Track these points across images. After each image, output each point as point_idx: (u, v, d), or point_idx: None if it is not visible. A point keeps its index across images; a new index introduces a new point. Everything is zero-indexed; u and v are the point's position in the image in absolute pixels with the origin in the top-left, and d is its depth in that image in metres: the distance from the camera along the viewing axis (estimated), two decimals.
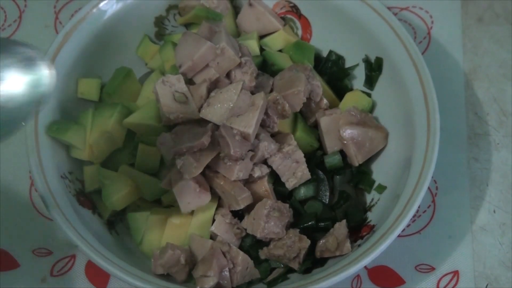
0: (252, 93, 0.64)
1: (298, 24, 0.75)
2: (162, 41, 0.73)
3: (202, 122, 0.63)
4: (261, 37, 0.73)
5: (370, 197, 0.67)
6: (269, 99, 0.64)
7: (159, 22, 0.74)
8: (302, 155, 0.64)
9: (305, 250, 0.62)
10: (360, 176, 0.68)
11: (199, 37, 0.65)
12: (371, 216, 0.65)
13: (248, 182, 0.63)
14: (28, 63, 0.47)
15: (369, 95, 0.71)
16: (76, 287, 0.66)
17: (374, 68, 0.70)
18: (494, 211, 0.69)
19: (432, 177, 0.61)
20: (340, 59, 0.73)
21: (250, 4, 0.72)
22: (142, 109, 0.65)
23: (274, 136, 0.65)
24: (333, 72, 0.73)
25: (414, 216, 0.68)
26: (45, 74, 0.47)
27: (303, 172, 0.64)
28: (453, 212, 0.69)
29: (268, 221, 0.61)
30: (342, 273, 0.57)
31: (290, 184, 0.64)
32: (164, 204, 0.65)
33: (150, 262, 0.62)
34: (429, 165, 0.61)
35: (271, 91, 0.67)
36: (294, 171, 0.64)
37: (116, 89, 0.69)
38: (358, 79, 0.72)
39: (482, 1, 0.82)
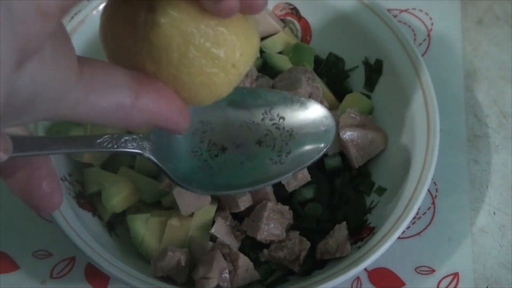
0: None
1: (298, 26, 0.75)
2: None
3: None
4: (261, 39, 0.73)
5: (370, 199, 0.67)
6: None
7: None
8: None
9: (305, 252, 0.62)
10: (360, 178, 0.68)
11: None
12: (371, 218, 0.65)
13: None
14: None
15: (368, 97, 0.71)
16: None
17: (374, 70, 0.70)
18: (494, 213, 0.69)
19: (432, 179, 0.61)
20: (340, 61, 0.73)
21: None
22: None
23: None
24: (333, 74, 0.73)
25: (414, 218, 0.68)
26: None
27: (303, 174, 0.64)
28: (453, 214, 0.69)
29: (268, 223, 0.61)
30: (342, 275, 0.57)
31: (290, 186, 0.64)
32: (164, 206, 0.65)
33: (150, 264, 0.62)
34: (429, 167, 0.61)
35: None
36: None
37: None
38: (358, 81, 0.72)
39: (481, 3, 0.82)
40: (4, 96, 0.31)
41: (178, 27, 0.40)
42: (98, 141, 0.51)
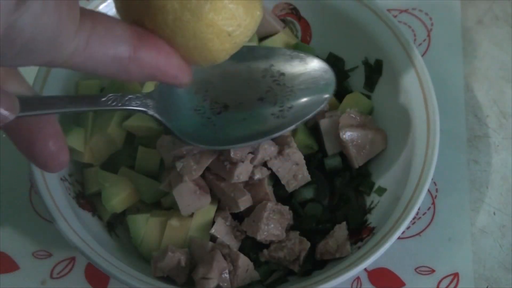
0: None
1: (298, 26, 0.75)
2: None
3: None
4: (261, 39, 0.73)
5: (370, 199, 0.67)
6: None
7: None
8: (302, 157, 0.64)
9: (305, 252, 0.62)
10: (360, 179, 0.68)
11: None
12: (371, 219, 0.65)
13: (248, 184, 0.63)
14: None
15: (368, 97, 0.71)
16: None
17: (374, 70, 0.70)
18: (494, 213, 0.69)
19: (432, 179, 0.61)
20: (339, 61, 0.73)
21: None
22: None
23: (274, 138, 0.65)
24: None
25: (414, 218, 0.68)
26: None
27: (303, 174, 0.64)
28: (453, 214, 0.69)
29: (268, 223, 0.61)
30: (342, 275, 0.57)
31: (290, 186, 0.64)
32: (163, 206, 0.65)
33: (149, 265, 0.62)
34: (429, 167, 0.61)
35: None
36: (294, 173, 0.64)
37: (116, 92, 0.68)
38: (358, 81, 0.72)
39: (481, 3, 0.82)
40: (4, 32, 0.33)
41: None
42: (102, 99, 0.52)
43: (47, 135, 0.48)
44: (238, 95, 0.61)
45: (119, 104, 0.53)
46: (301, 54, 0.63)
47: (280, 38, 0.73)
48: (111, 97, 0.52)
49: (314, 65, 0.62)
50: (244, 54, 0.61)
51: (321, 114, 0.68)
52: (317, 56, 0.73)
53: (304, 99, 0.61)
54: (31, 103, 0.46)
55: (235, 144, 0.59)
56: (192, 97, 0.60)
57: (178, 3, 0.41)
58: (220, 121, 0.59)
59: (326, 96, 0.61)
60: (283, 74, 0.62)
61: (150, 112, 0.55)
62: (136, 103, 0.54)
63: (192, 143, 0.58)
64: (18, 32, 0.35)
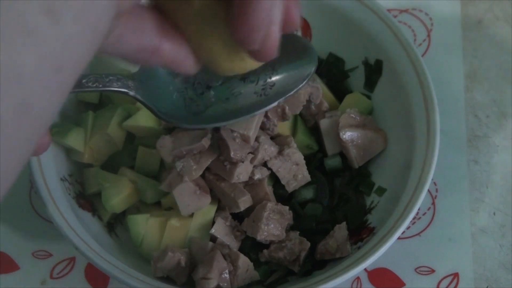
0: None
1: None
2: None
3: None
4: None
5: (370, 199, 0.67)
6: None
7: None
8: (302, 157, 0.64)
9: (305, 253, 0.62)
10: (360, 179, 0.68)
11: None
12: (371, 219, 0.65)
13: (248, 184, 0.63)
14: None
15: (368, 97, 0.71)
16: None
17: (374, 71, 0.70)
18: (494, 214, 0.69)
19: (432, 179, 0.61)
20: (339, 61, 0.73)
21: None
22: (141, 112, 0.65)
23: (274, 138, 0.65)
24: (332, 75, 0.73)
25: (414, 218, 0.68)
26: None
27: (303, 174, 0.64)
28: (453, 214, 0.69)
29: (268, 223, 0.61)
30: (342, 276, 0.57)
31: (290, 186, 0.64)
32: (163, 206, 0.65)
33: (150, 265, 0.62)
34: (429, 168, 0.61)
35: None
36: (294, 173, 0.64)
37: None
38: (358, 82, 0.72)
39: (481, 3, 0.82)
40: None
41: (206, 11, 0.42)
42: (83, 80, 0.52)
43: None
44: (220, 75, 0.61)
45: (100, 86, 0.53)
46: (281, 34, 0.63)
47: None
48: (91, 78, 0.52)
49: (294, 42, 0.62)
50: None
51: (321, 114, 0.68)
52: (317, 55, 0.73)
53: (287, 77, 0.60)
54: None
55: (218, 122, 0.59)
56: (174, 78, 0.60)
57: (202, 19, 0.42)
58: (203, 101, 0.59)
59: (308, 72, 0.60)
60: None
61: (131, 93, 0.55)
62: (117, 84, 0.54)
63: (175, 122, 0.58)
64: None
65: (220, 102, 0.60)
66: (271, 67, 0.61)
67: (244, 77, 0.61)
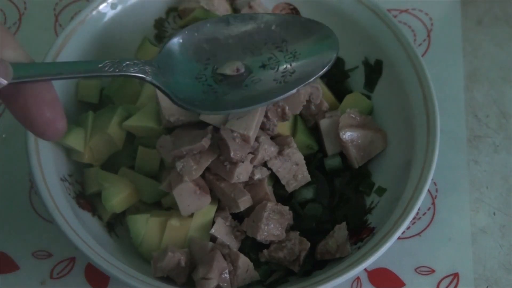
0: None
1: None
2: (162, 43, 0.74)
3: (202, 124, 0.63)
4: None
5: (370, 199, 0.67)
6: None
7: (159, 24, 0.74)
8: (302, 157, 0.64)
9: (305, 253, 0.62)
10: (360, 179, 0.68)
11: None
12: (371, 219, 0.65)
13: (248, 184, 0.63)
14: None
15: (368, 97, 0.71)
16: None
17: (374, 70, 0.70)
18: (494, 214, 0.69)
19: (432, 179, 0.61)
20: (339, 61, 0.73)
21: (250, 7, 0.72)
22: (141, 112, 0.65)
23: (274, 138, 0.65)
24: (332, 75, 0.73)
25: (414, 218, 0.68)
26: None
27: (303, 174, 0.64)
28: (453, 214, 0.69)
29: (268, 223, 0.61)
30: (342, 276, 0.57)
31: (290, 186, 0.64)
32: (163, 206, 0.65)
33: (150, 265, 0.62)
34: (429, 168, 0.61)
35: None
36: (294, 173, 0.64)
37: (116, 92, 0.69)
38: (358, 82, 0.72)
39: (482, 4, 0.82)
40: None
41: None
42: (99, 65, 0.52)
43: (43, 102, 0.48)
44: (240, 62, 0.61)
45: (117, 70, 0.52)
46: (303, 19, 0.63)
47: None
48: (108, 63, 0.52)
49: (316, 29, 0.61)
50: (246, 21, 0.62)
51: (321, 114, 0.68)
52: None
53: (307, 64, 0.60)
54: (25, 69, 0.45)
55: (235, 109, 0.59)
56: (193, 65, 0.60)
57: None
58: (221, 88, 0.59)
59: (329, 59, 0.60)
60: (285, 40, 0.61)
61: (148, 78, 0.54)
62: (134, 69, 0.53)
63: (192, 109, 0.57)
64: None
65: (239, 89, 0.59)
66: (292, 53, 0.60)
67: (264, 64, 0.60)
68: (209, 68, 0.60)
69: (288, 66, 0.60)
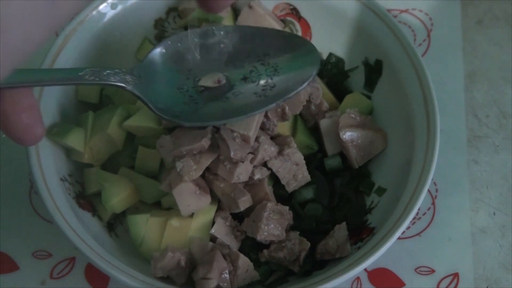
0: None
1: (298, 26, 0.75)
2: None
3: None
4: None
5: (370, 199, 0.67)
6: None
7: (159, 24, 0.74)
8: (302, 157, 0.64)
9: (305, 253, 0.62)
10: (360, 179, 0.68)
11: None
12: (371, 219, 0.65)
13: (248, 184, 0.63)
14: None
15: (368, 97, 0.71)
16: None
17: (374, 71, 0.70)
18: (494, 214, 0.69)
19: (432, 179, 0.61)
20: (339, 61, 0.73)
21: (250, 7, 0.72)
22: (141, 112, 0.65)
23: (274, 138, 0.65)
24: (333, 75, 0.73)
25: (414, 218, 0.68)
26: None
27: (303, 174, 0.64)
28: (453, 214, 0.69)
29: (268, 223, 0.61)
30: (342, 276, 0.57)
31: (290, 186, 0.64)
32: (163, 206, 0.65)
33: (150, 265, 0.62)
34: (429, 168, 0.61)
35: None
36: (294, 173, 0.64)
37: (116, 92, 0.69)
38: (358, 82, 0.72)
39: (481, 3, 0.82)
40: None
41: None
42: (80, 73, 0.52)
43: (21, 108, 0.48)
44: (222, 74, 0.61)
45: (97, 79, 0.52)
46: (287, 33, 0.63)
47: None
48: (88, 71, 0.52)
49: (299, 44, 0.61)
50: (230, 33, 0.62)
51: (321, 114, 0.68)
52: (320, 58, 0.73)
53: (287, 78, 0.60)
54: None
55: (215, 120, 0.59)
56: (175, 75, 0.60)
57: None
58: (202, 99, 0.59)
59: (310, 74, 0.59)
60: (267, 54, 0.61)
61: (129, 87, 0.55)
62: (115, 78, 0.54)
63: (171, 119, 0.57)
64: None
65: (219, 101, 0.60)
66: (273, 67, 0.60)
67: (246, 77, 0.61)
68: (190, 79, 0.60)
69: (269, 80, 0.60)
